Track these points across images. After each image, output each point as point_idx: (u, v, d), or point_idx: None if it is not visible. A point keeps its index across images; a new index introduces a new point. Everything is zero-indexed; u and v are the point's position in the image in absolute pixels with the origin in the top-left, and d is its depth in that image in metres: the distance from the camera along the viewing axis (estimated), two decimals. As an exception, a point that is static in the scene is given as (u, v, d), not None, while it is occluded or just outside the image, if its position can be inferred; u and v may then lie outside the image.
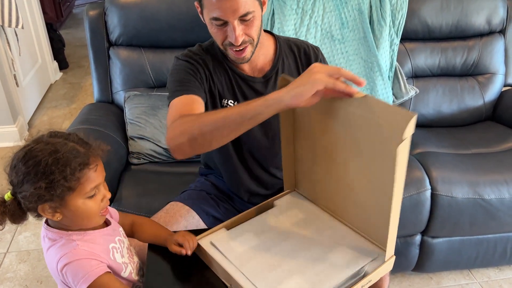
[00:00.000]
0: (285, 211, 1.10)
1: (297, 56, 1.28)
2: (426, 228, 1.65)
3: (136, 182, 1.61)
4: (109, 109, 1.90)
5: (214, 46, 1.23)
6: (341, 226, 1.05)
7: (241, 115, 0.92)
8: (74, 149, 0.85)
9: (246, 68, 1.24)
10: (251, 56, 1.18)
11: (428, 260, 1.71)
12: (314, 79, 0.85)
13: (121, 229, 1.02)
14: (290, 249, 0.97)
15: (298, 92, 0.86)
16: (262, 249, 0.98)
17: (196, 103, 1.10)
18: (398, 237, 1.54)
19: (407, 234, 1.68)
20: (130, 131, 1.79)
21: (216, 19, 1.07)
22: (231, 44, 1.12)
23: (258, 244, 0.99)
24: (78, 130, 1.63)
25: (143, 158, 1.75)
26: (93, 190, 0.87)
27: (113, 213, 1.05)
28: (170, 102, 1.12)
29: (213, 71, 1.22)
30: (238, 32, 1.08)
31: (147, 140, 1.75)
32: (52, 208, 0.86)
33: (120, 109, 1.91)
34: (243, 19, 1.08)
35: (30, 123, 3.05)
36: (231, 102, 1.24)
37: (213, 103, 1.24)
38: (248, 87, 1.24)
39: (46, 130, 0.90)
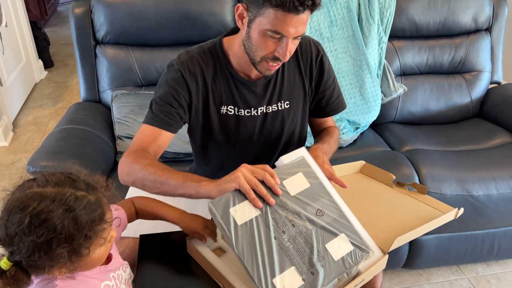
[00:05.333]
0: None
1: (298, 53, 1.24)
2: (416, 225, 1.66)
3: (125, 182, 1.59)
4: (96, 108, 1.87)
5: (217, 49, 1.19)
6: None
7: (176, 188, 1.01)
8: (84, 199, 0.73)
9: (248, 73, 1.20)
10: None
11: (418, 257, 1.72)
12: (235, 176, 0.91)
13: (126, 264, 0.93)
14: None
15: (223, 188, 0.92)
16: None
17: (160, 139, 1.16)
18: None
19: (397, 231, 1.68)
20: (118, 130, 1.77)
21: (275, 32, 1.02)
22: (275, 59, 1.08)
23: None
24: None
25: (131, 158, 1.72)
26: (107, 235, 0.78)
27: (121, 216, 0.97)
28: (143, 123, 1.18)
29: (212, 79, 1.19)
30: (290, 49, 1.06)
31: (136, 139, 1.73)
32: (67, 268, 0.75)
33: (108, 108, 1.88)
34: (296, 38, 1.05)
35: (14, 123, 2.99)
36: (231, 108, 1.22)
37: (209, 110, 1.21)
38: (249, 92, 1.21)
39: (30, 177, 0.76)
